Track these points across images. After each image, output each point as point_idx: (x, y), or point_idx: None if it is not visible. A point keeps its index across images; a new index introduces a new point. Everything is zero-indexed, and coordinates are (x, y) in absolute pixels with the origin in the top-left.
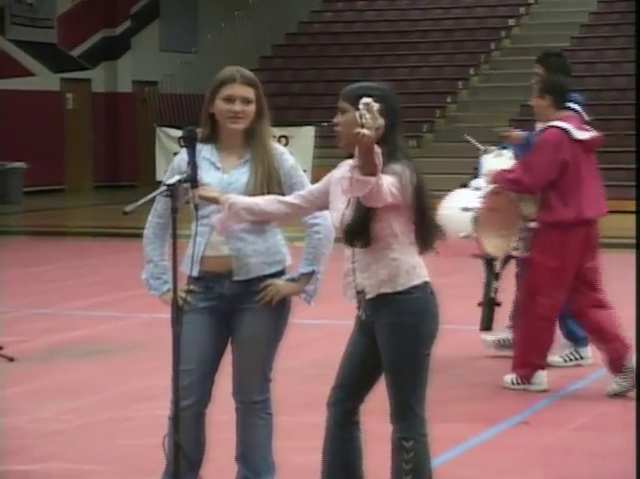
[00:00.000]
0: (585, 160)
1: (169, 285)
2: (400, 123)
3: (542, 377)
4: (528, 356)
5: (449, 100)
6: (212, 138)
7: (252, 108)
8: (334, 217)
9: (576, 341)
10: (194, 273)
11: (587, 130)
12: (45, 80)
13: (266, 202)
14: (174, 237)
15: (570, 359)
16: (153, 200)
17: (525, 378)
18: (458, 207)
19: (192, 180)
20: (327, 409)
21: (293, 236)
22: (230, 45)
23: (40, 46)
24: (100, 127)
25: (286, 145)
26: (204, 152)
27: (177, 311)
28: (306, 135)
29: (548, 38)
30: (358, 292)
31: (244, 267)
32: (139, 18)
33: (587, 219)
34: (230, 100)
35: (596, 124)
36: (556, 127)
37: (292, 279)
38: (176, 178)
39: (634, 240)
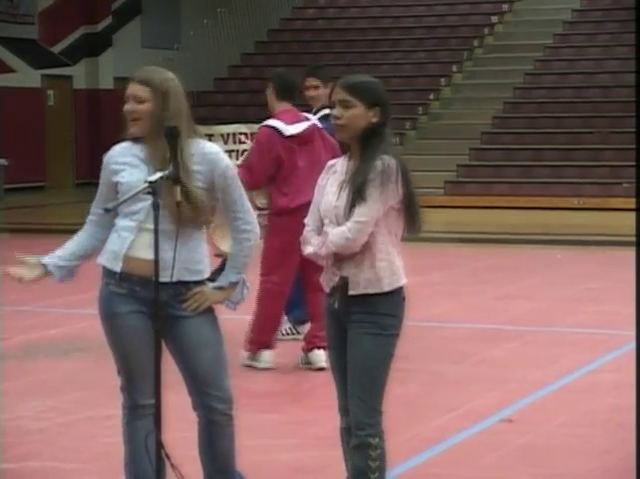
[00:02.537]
0: (301, 151)
1: (46, 259)
2: (390, 118)
3: (267, 356)
4: (259, 334)
5: (431, 97)
6: (138, 137)
7: (146, 107)
8: (323, 209)
9: (295, 318)
10: (116, 269)
11: (302, 121)
12: (26, 76)
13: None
14: (156, 233)
15: (288, 334)
16: (134, 196)
17: (253, 354)
18: None
19: (175, 177)
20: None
21: None
22: (213, 42)
23: (20, 42)
24: (81, 124)
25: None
26: (134, 149)
27: (158, 310)
28: None
29: (531, 35)
30: (340, 279)
31: (167, 270)
32: (120, 14)
33: (298, 205)
34: (127, 100)
35: (579, 121)
36: (268, 126)
37: (220, 288)
38: (158, 174)
39: (617, 238)
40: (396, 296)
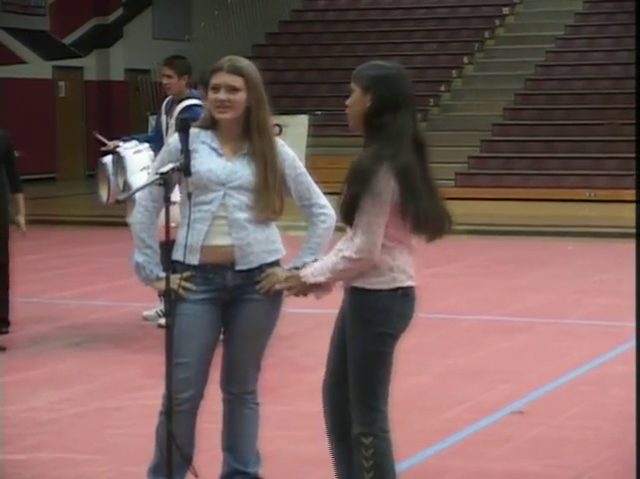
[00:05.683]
0: None
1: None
2: (401, 106)
3: None
4: None
5: (443, 89)
6: (212, 126)
7: (240, 96)
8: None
9: None
10: (194, 262)
11: None
12: (37, 68)
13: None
14: (167, 224)
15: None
16: (144, 187)
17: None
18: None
19: (186, 168)
20: (321, 396)
21: (287, 225)
22: (224, 33)
23: (32, 34)
24: (92, 115)
25: (280, 133)
26: (202, 136)
27: (172, 302)
28: (300, 123)
29: (542, 27)
30: None
31: (247, 257)
32: (131, 6)
33: None
34: (216, 89)
35: (590, 113)
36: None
37: (295, 268)
38: (169, 166)
39: (628, 230)
40: (385, 293)
